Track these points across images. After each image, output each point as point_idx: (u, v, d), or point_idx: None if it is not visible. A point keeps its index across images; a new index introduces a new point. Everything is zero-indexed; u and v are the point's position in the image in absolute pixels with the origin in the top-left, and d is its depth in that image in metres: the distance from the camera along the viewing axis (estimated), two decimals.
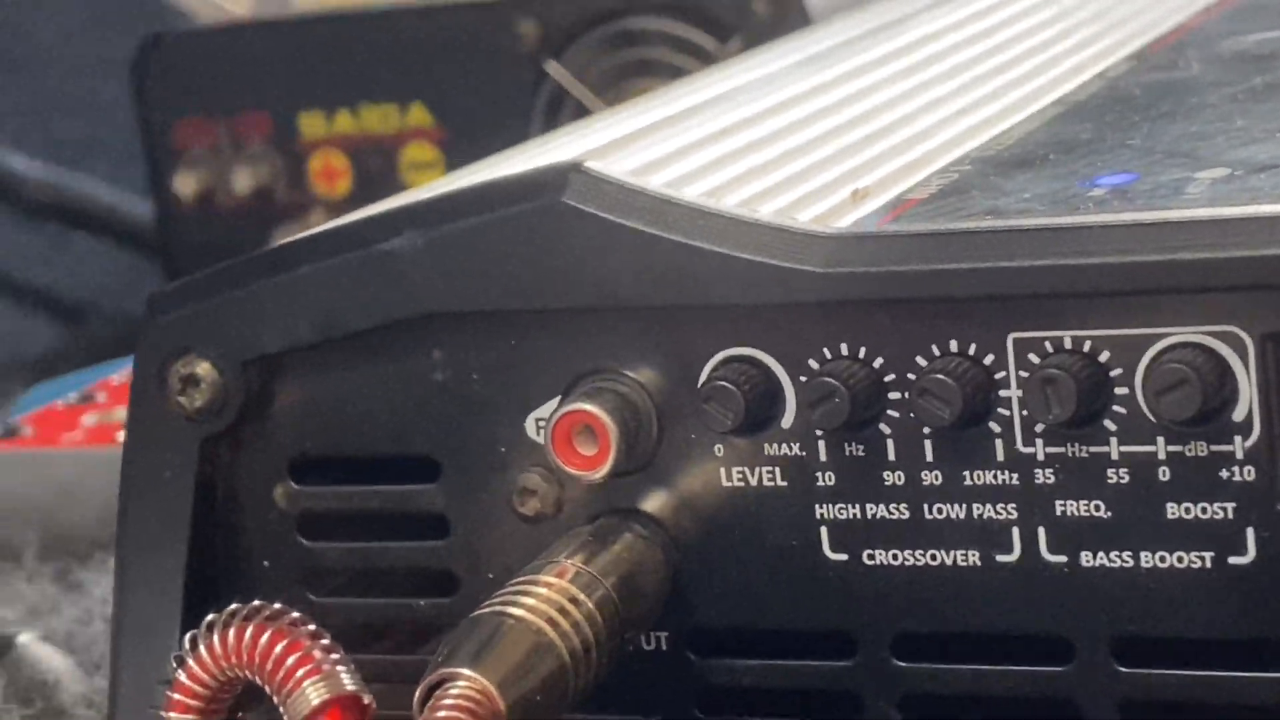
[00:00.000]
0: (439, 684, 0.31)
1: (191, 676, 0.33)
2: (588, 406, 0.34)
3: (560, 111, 0.71)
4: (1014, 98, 0.47)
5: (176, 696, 0.33)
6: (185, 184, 0.78)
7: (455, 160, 0.72)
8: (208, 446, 0.38)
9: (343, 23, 0.78)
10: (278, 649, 0.32)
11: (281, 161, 0.77)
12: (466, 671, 0.31)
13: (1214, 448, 0.30)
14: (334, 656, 0.32)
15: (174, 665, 0.34)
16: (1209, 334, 0.30)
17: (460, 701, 0.31)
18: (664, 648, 0.36)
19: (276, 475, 0.39)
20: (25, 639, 0.51)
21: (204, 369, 0.37)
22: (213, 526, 0.39)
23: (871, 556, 0.34)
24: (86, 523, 0.54)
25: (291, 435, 0.38)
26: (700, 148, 0.40)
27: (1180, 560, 0.31)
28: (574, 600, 0.33)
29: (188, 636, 0.33)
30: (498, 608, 0.33)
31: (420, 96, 0.74)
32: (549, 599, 0.33)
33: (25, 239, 1.03)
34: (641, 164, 0.37)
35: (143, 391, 0.38)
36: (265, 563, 0.39)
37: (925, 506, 0.33)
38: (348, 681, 0.32)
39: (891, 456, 0.33)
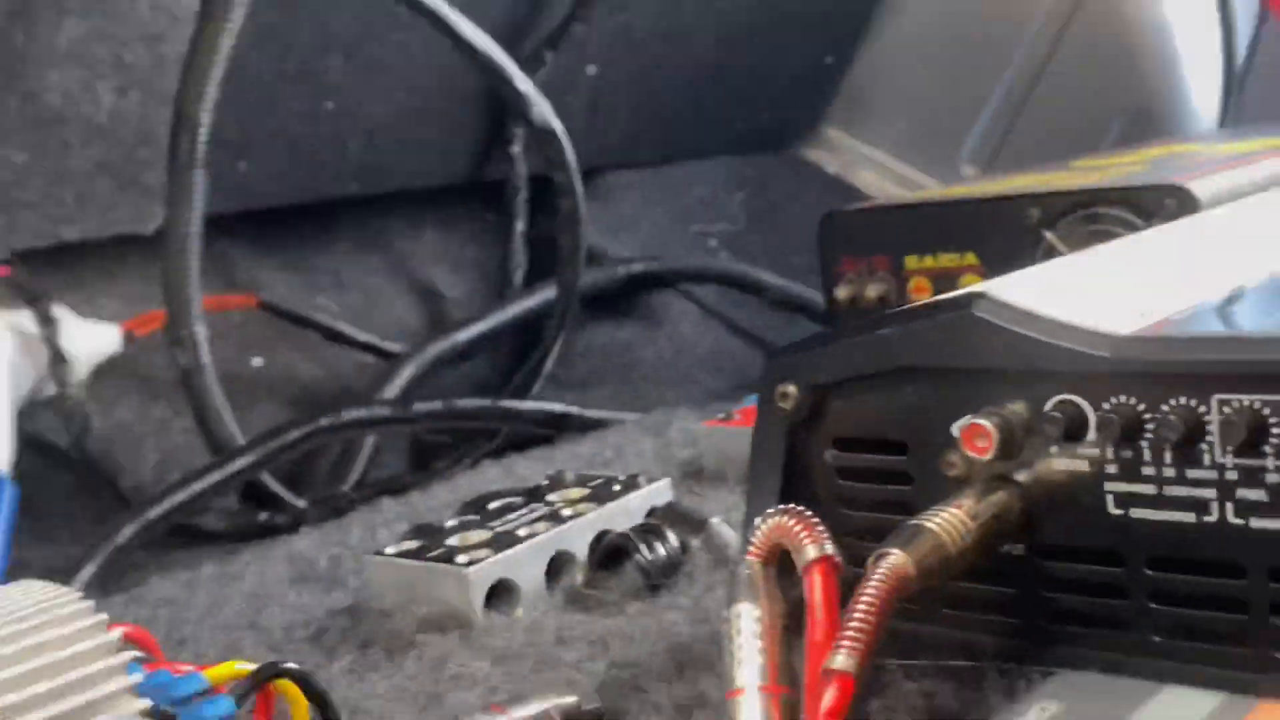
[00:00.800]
0: (882, 555, 0.34)
1: (758, 541, 0.36)
2: (981, 420, 0.36)
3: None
4: None
5: (750, 549, 0.36)
6: (842, 293, 0.81)
7: None
8: (792, 430, 0.41)
9: (934, 205, 0.79)
10: (796, 526, 0.35)
11: (894, 283, 0.79)
12: (897, 550, 0.34)
13: None
14: (826, 535, 0.34)
15: (749, 534, 0.36)
16: None
17: (890, 565, 0.33)
18: (1021, 553, 0.37)
19: (827, 446, 0.40)
20: (715, 520, 0.53)
21: (791, 389, 0.40)
22: (793, 473, 0.41)
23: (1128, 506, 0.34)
24: None
25: (834, 424, 0.40)
26: (1080, 280, 0.42)
27: None
28: (963, 521, 0.35)
29: (756, 520, 0.36)
30: (920, 520, 0.35)
31: (971, 248, 0.75)
32: (950, 517, 0.35)
33: (770, 320, 1.10)
34: (1034, 290, 0.38)
35: (764, 399, 0.41)
36: (818, 490, 0.41)
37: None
38: (830, 549, 0.34)
39: (1147, 456, 0.34)
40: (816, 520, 0.35)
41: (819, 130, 1.29)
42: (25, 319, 0.76)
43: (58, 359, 0.77)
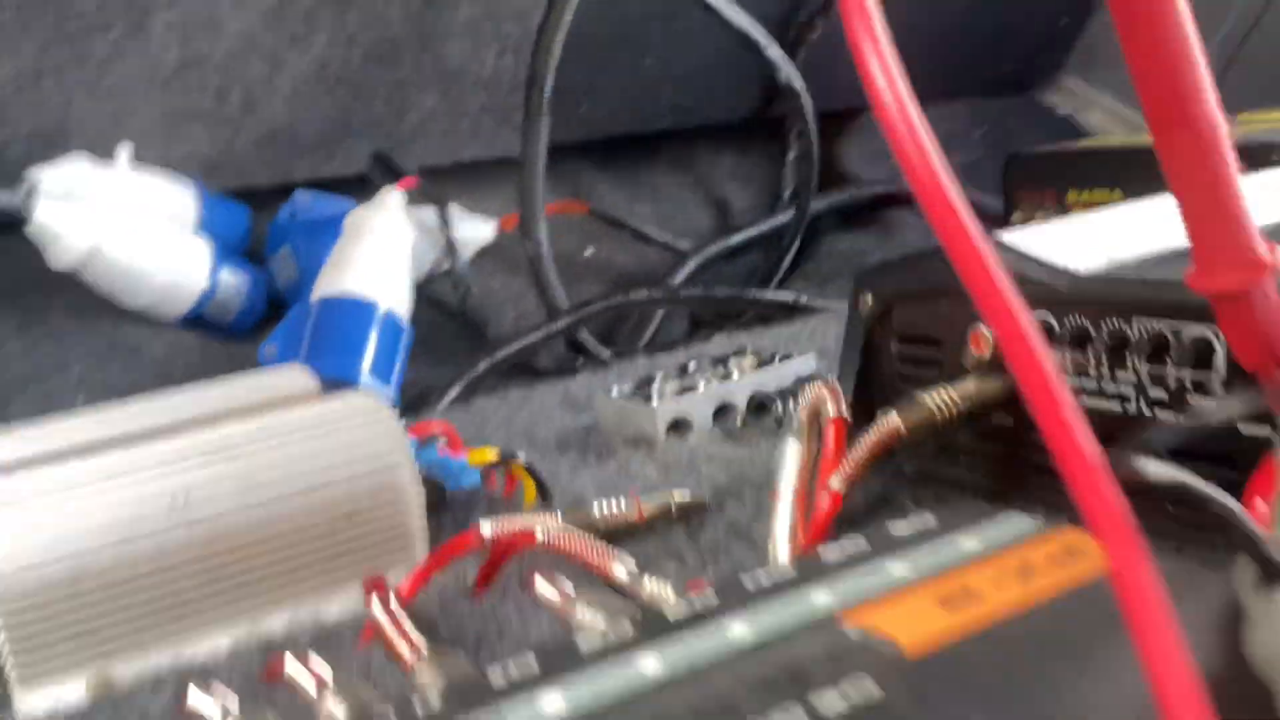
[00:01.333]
0: (885, 415, 0.37)
1: (804, 403, 0.39)
2: (982, 328, 0.37)
3: None
4: None
5: (799, 408, 0.39)
6: (1017, 218, 0.79)
7: None
8: (869, 327, 0.43)
9: (1091, 152, 0.76)
10: (826, 395, 0.38)
11: (1059, 212, 0.74)
12: (894, 413, 0.37)
13: None
14: (843, 402, 0.38)
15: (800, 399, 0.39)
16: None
17: (885, 423, 0.37)
18: (1009, 423, 0.39)
19: (891, 339, 0.42)
20: None
21: (869, 297, 0.43)
22: (869, 356, 0.43)
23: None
24: None
25: (897, 324, 0.42)
26: (1096, 231, 0.41)
27: None
28: (953, 400, 0.38)
29: (806, 388, 0.39)
30: (920, 395, 0.38)
31: (1119, 186, 0.71)
32: (942, 396, 0.38)
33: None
34: (1045, 239, 0.39)
35: (851, 304, 0.43)
36: (885, 369, 0.42)
37: None
38: (844, 411, 0.38)
39: (1092, 360, 0.36)
40: (840, 392, 0.39)
41: (1056, 77, 1.24)
42: (430, 215, 0.85)
43: (450, 244, 0.86)
